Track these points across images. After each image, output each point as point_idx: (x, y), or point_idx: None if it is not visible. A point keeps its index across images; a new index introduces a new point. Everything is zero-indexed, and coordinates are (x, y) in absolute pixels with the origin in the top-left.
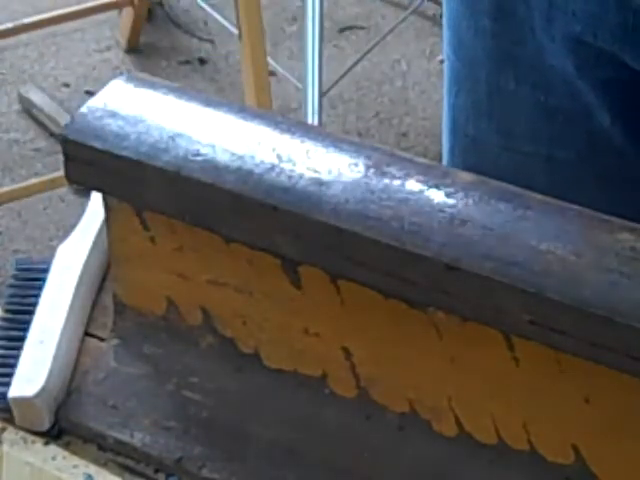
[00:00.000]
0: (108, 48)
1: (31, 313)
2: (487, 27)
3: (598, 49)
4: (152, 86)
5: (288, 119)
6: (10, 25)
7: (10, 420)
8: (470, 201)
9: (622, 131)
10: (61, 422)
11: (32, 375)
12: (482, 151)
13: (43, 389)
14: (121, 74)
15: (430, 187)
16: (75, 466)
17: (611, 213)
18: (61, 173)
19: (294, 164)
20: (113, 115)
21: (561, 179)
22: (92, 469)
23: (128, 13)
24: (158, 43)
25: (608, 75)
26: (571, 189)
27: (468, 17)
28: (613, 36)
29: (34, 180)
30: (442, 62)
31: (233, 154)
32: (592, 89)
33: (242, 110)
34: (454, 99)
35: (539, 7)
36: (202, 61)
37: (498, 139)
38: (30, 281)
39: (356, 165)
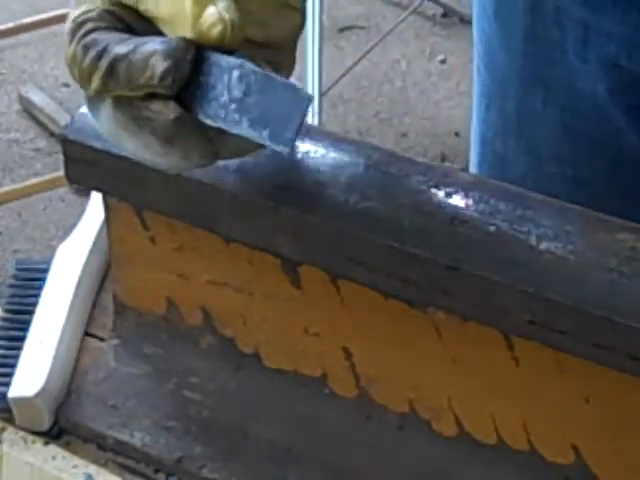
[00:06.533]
0: None
1: (31, 313)
2: (519, 47)
3: (632, 73)
4: None
5: None
6: (10, 25)
7: (10, 420)
8: (470, 201)
9: None
10: (61, 422)
11: (32, 375)
12: (509, 169)
13: (43, 389)
14: None
15: (430, 187)
16: (75, 466)
17: None
18: (61, 173)
19: (294, 164)
20: None
21: (587, 199)
22: (92, 469)
23: None
24: None
25: None
26: (598, 210)
27: (500, 36)
28: None
29: (34, 180)
30: (442, 62)
31: None
32: (623, 113)
33: None
34: (484, 113)
35: (573, 29)
36: None
37: (525, 158)
38: (30, 281)
39: (356, 165)
